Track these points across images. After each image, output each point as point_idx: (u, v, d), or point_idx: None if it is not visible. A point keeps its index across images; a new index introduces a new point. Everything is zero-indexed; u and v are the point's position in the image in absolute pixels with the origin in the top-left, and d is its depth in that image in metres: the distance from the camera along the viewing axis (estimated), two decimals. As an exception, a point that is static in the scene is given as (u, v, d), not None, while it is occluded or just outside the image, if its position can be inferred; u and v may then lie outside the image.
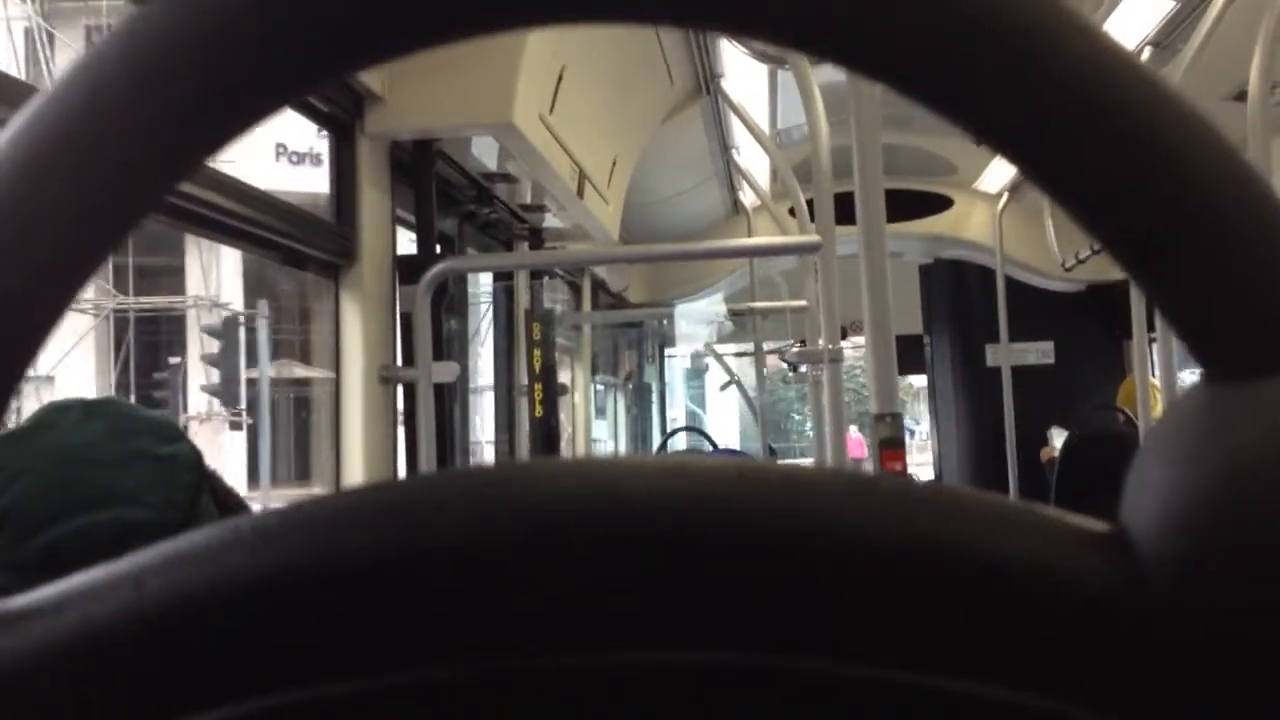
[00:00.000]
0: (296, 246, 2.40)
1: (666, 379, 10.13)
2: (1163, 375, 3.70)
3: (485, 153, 3.27)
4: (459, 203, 3.29)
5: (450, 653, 0.22)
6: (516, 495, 0.22)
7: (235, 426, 13.12)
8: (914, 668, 0.21)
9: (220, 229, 2.14)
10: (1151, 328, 3.77)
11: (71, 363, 12.54)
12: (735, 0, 0.23)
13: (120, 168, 0.23)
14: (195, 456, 1.03)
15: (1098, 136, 0.22)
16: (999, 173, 6.29)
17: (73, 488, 0.95)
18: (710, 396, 18.68)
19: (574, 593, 0.21)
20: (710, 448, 7.90)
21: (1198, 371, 0.23)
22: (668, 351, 9.78)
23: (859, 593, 0.21)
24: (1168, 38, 3.73)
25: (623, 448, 7.75)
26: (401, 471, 2.71)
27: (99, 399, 1.06)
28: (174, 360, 13.25)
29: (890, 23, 0.22)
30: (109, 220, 0.23)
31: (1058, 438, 6.21)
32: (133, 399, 11.49)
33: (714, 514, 0.22)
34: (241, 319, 12.20)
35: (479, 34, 0.23)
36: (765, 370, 6.51)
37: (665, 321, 7.89)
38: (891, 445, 1.88)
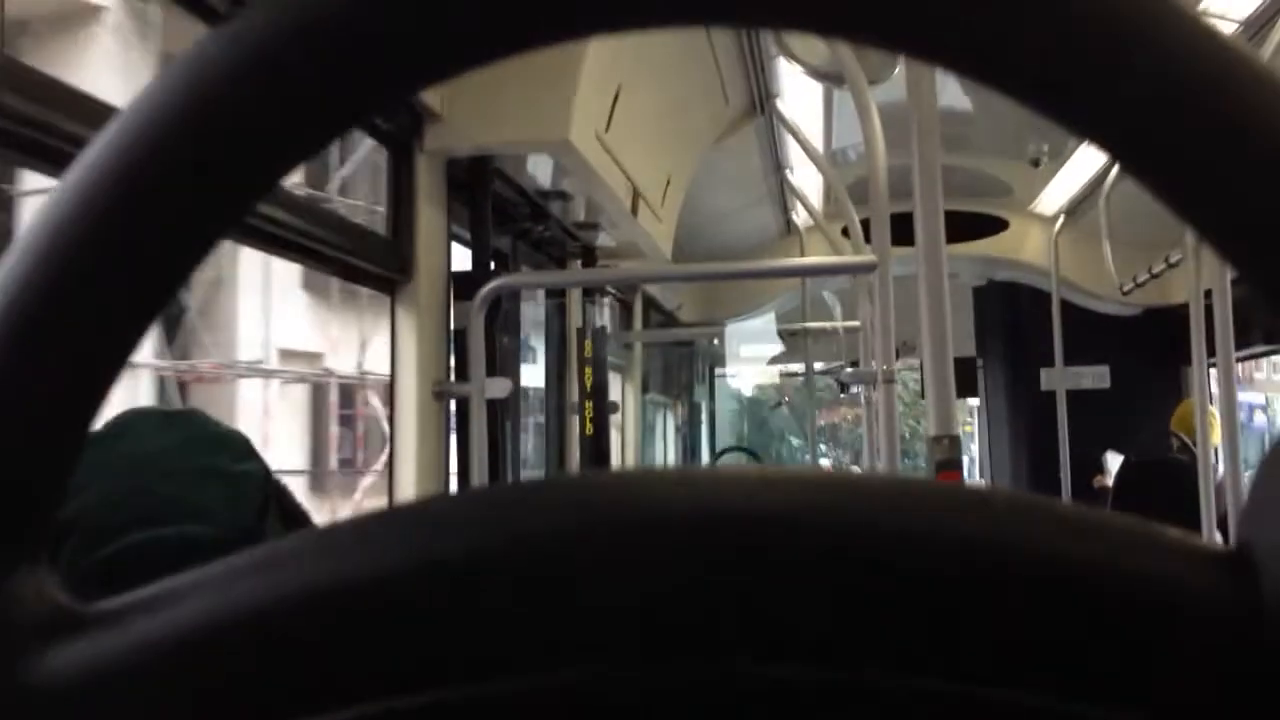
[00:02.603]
0: (353, 261, 2.42)
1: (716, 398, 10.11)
2: (1222, 401, 3.64)
3: (540, 169, 3.28)
4: (514, 220, 3.30)
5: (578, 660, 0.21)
6: (614, 505, 0.22)
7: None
8: (1029, 687, 0.21)
9: (278, 243, 2.17)
10: (1211, 353, 3.71)
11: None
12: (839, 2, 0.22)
13: (205, 185, 0.23)
14: (265, 474, 1.03)
15: (1208, 127, 0.21)
16: (1056, 194, 6.23)
17: (141, 499, 0.95)
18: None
19: (693, 604, 0.21)
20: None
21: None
22: (718, 371, 9.77)
23: (983, 611, 0.21)
24: (1260, 17, 3.65)
25: (672, 465, 7.73)
26: (454, 486, 2.72)
27: (180, 410, 1.07)
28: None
29: (993, 20, 0.21)
30: (192, 242, 0.23)
31: (1113, 464, 6.13)
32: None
33: (841, 528, 0.21)
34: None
35: (544, 44, 0.23)
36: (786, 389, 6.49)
37: (716, 341, 7.89)
38: (949, 468, 1.86)
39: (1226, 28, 3.58)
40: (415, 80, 0.23)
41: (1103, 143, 0.22)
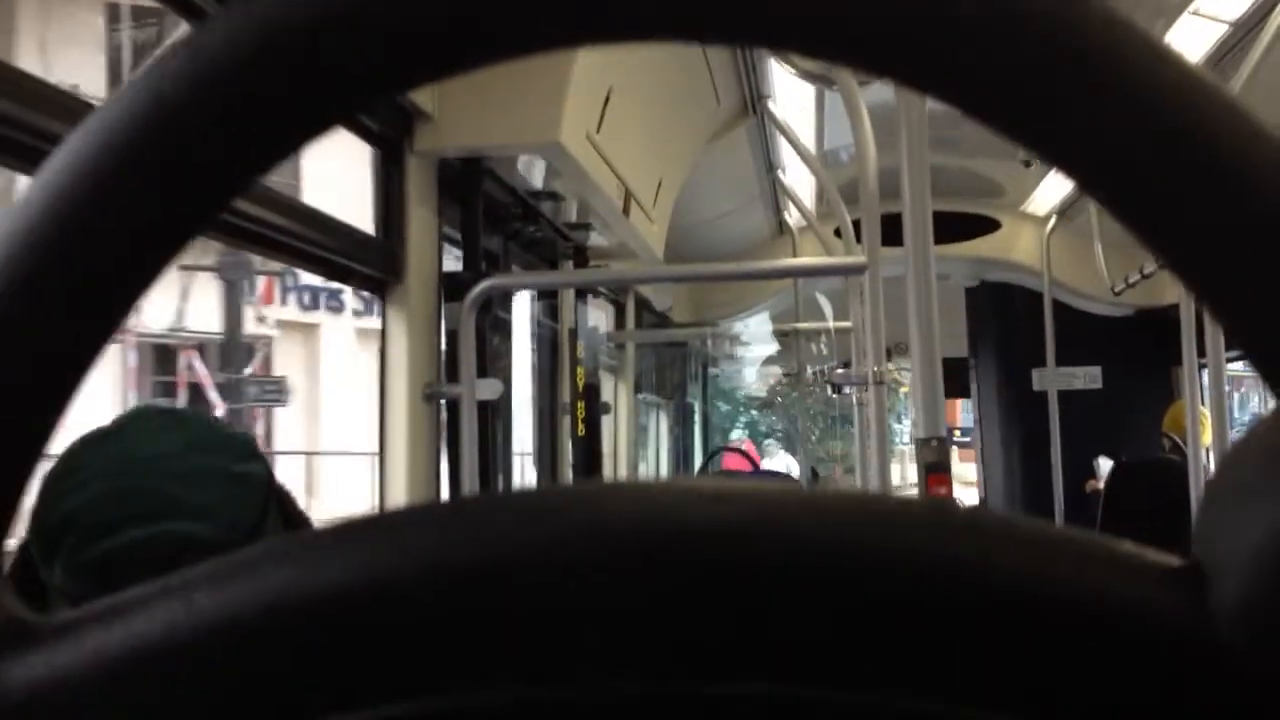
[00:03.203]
0: (344, 263, 2.42)
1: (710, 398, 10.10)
2: (1213, 402, 3.65)
3: (531, 170, 3.28)
4: (505, 220, 3.30)
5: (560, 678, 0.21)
6: (600, 517, 0.22)
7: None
8: (984, 704, 0.21)
9: (268, 244, 2.16)
10: (1202, 353, 3.72)
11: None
12: (809, 21, 0.22)
13: (182, 177, 0.23)
14: (267, 476, 1.02)
15: (1172, 158, 0.21)
16: (1047, 195, 6.24)
17: (139, 497, 0.95)
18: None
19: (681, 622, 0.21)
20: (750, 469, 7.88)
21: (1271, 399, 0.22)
22: (710, 371, 9.77)
23: (938, 629, 0.21)
24: (1218, 63, 3.69)
25: (664, 466, 7.74)
26: (444, 487, 2.72)
27: (182, 409, 1.06)
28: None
29: (968, 49, 0.21)
30: (165, 236, 0.23)
31: (1105, 468, 6.14)
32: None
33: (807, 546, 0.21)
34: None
35: (533, 52, 0.23)
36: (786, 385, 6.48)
37: (709, 341, 7.89)
38: (937, 470, 1.86)
39: (1217, 29, 3.60)
40: (395, 81, 0.23)
41: (1070, 175, 0.22)
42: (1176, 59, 0.21)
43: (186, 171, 0.23)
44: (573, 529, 0.22)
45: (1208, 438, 4.16)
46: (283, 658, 0.22)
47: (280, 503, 1.04)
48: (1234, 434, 3.66)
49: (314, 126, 0.23)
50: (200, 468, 0.97)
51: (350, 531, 0.23)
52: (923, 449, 1.89)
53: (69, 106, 1.47)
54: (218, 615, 0.22)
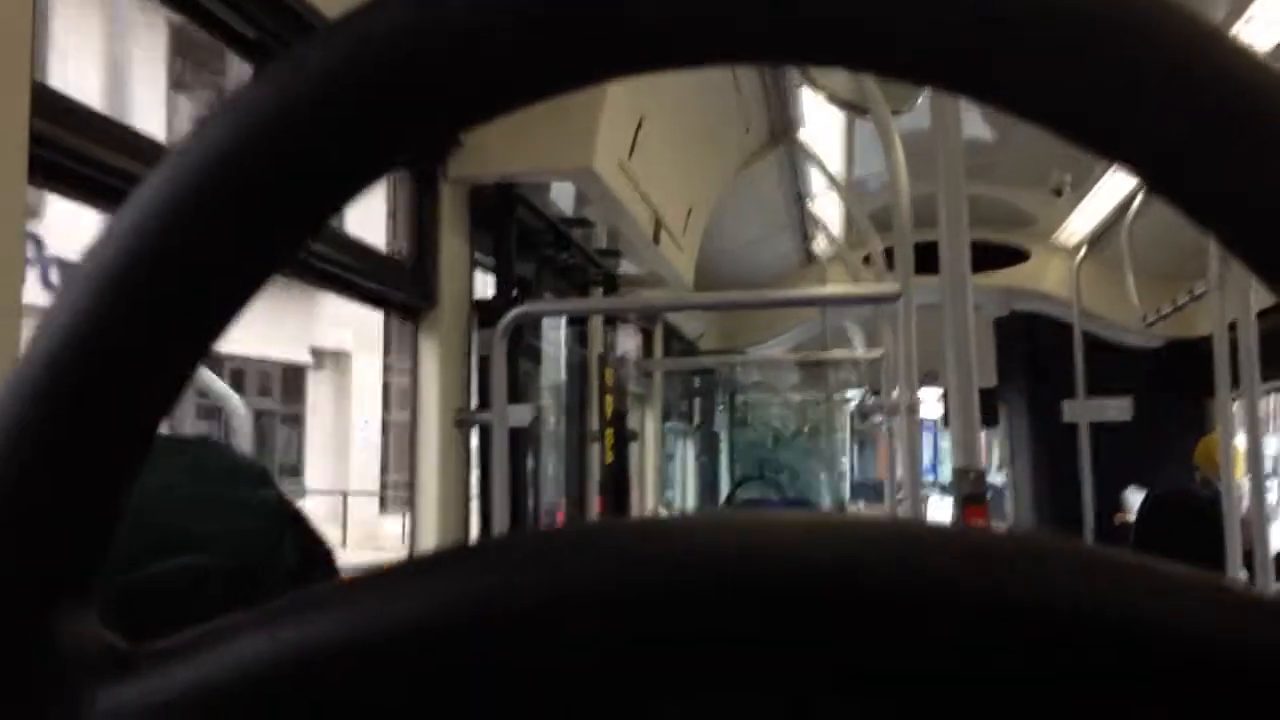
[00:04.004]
0: (378, 289, 2.43)
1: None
2: (1247, 434, 3.61)
3: (563, 197, 3.29)
4: (536, 247, 3.31)
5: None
6: (699, 546, 0.22)
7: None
8: None
9: (302, 270, 2.17)
10: (1235, 385, 3.68)
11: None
12: (869, 38, 0.22)
13: (256, 220, 0.23)
14: (281, 503, 1.02)
15: (1244, 149, 0.21)
16: (1078, 225, 6.22)
17: (153, 529, 0.94)
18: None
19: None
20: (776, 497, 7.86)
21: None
22: (738, 399, 9.75)
23: (1045, 664, 0.20)
24: None
25: (691, 494, 7.73)
26: (475, 512, 2.72)
27: (191, 437, 1.06)
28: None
29: (1021, 52, 0.21)
30: (245, 278, 0.23)
31: (1134, 499, 6.09)
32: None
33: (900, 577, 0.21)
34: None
35: (585, 84, 0.23)
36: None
37: (737, 369, 7.89)
38: (973, 501, 1.84)
39: (1272, 34, 3.58)
40: (461, 120, 0.23)
41: (1135, 168, 0.22)
42: (1238, 46, 0.21)
43: (261, 214, 0.23)
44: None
45: (1240, 472, 4.12)
46: (372, 688, 0.21)
47: (297, 529, 1.03)
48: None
49: (374, 170, 0.23)
50: (212, 497, 0.97)
51: (439, 563, 0.23)
52: (960, 480, 1.88)
53: (141, 147, 1.49)
54: (302, 647, 0.22)
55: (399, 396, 17.79)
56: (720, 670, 0.21)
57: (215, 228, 0.23)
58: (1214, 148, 0.21)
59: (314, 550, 1.04)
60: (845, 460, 9.17)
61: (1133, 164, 0.22)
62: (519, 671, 0.21)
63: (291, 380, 15.86)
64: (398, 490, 17.43)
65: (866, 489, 9.43)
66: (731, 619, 0.21)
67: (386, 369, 17.11)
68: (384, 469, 16.96)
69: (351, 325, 14.95)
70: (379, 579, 0.23)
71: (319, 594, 0.23)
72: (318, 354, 15.77)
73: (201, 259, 0.23)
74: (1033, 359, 7.71)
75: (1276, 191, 0.21)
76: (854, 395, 9.66)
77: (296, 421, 15.99)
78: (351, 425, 16.34)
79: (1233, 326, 3.64)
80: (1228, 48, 0.21)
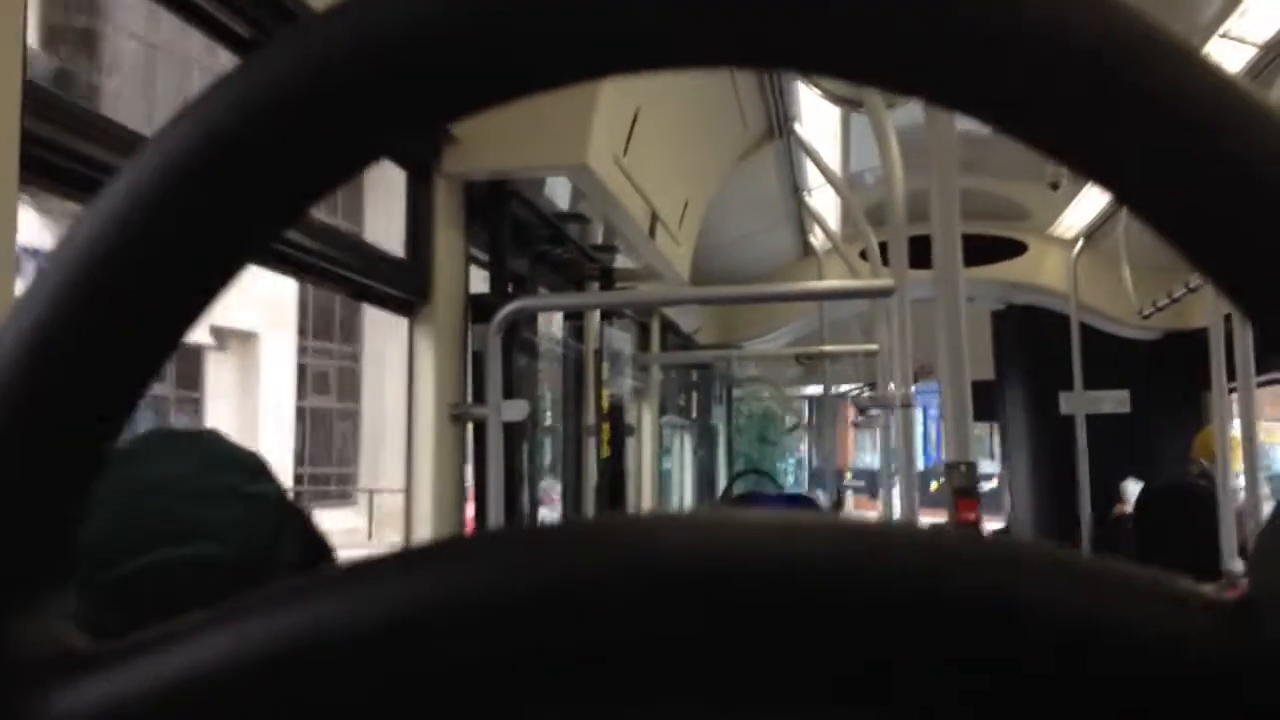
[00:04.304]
0: (371, 284, 2.43)
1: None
2: (1243, 427, 3.62)
3: (558, 192, 3.29)
4: (532, 242, 3.31)
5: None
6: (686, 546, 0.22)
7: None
8: None
9: (296, 265, 2.17)
10: (1232, 378, 3.69)
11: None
12: (848, 46, 0.22)
13: (233, 208, 0.23)
14: (281, 496, 1.02)
15: (1209, 168, 0.21)
16: (1074, 218, 6.22)
17: (152, 520, 0.94)
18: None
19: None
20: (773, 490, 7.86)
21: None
22: (735, 393, 9.75)
23: (1001, 666, 0.21)
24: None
25: (688, 488, 7.73)
26: (470, 508, 2.72)
27: (193, 430, 1.06)
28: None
29: (1010, 68, 0.21)
30: (215, 271, 0.23)
31: (1132, 491, 6.09)
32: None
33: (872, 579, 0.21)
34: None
35: (570, 83, 0.23)
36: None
37: (734, 363, 7.88)
38: (966, 495, 1.84)
39: (1245, 50, 3.58)
40: (447, 112, 0.23)
41: (1105, 186, 0.22)
42: (1218, 72, 0.21)
43: (238, 202, 0.23)
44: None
45: (1238, 463, 4.13)
46: (340, 687, 0.21)
47: (296, 522, 1.03)
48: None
49: (359, 160, 0.23)
50: (211, 488, 0.97)
51: (410, 559, 0.23)
52: (951, 473, 1.88)
53: (119, 136, 1.49)
54: (270, 643, 0.22)
55: (316, 381, 17.17)
56: (652, 676, 0.21)
57: (188, 215, 0.22)
58: (1178, 168, 0.21)
59: (313, 541, 1.04)
60: (803, 449, 9.13)
61: (1103, 183, 0.22)
62: (471, 671, 0.21)
63: (189, 362, 14.96)
64: (318, 484, 16.70)
65: (823, 478, 9.37)
66: (665, 623, 0.21)
67: (302, 351, 16.31)
68: (299, 460, 16.08)
69: (260, 303, 14.07)
70: (348, 574, 0.23)
71: (287, 590, 0.22)
72: (219, 334, 14.78)
73: (172, 250, 0.23)
74: (1030, 351, 7.70)
75: (1239, 211, 0.21)
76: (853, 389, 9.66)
77: (195, 407, 15.10)
78: (260, 412, 15.42)
79: (1229, 319, 3.64)
80: (1195, 65, 0.21)
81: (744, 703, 0.21)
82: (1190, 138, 0.21)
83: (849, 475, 9.74)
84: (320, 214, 2.42)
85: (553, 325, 4.10)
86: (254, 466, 1.01)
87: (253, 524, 0.96)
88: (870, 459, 13.07)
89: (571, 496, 4.09)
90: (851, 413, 12.08)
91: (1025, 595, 0.21)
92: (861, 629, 0.21)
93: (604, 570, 0.21)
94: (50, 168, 1.38)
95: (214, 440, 1.04)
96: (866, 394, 5.33)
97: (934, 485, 12.61)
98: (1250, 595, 0.22)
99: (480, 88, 0.23)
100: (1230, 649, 0.21)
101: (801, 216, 5.88)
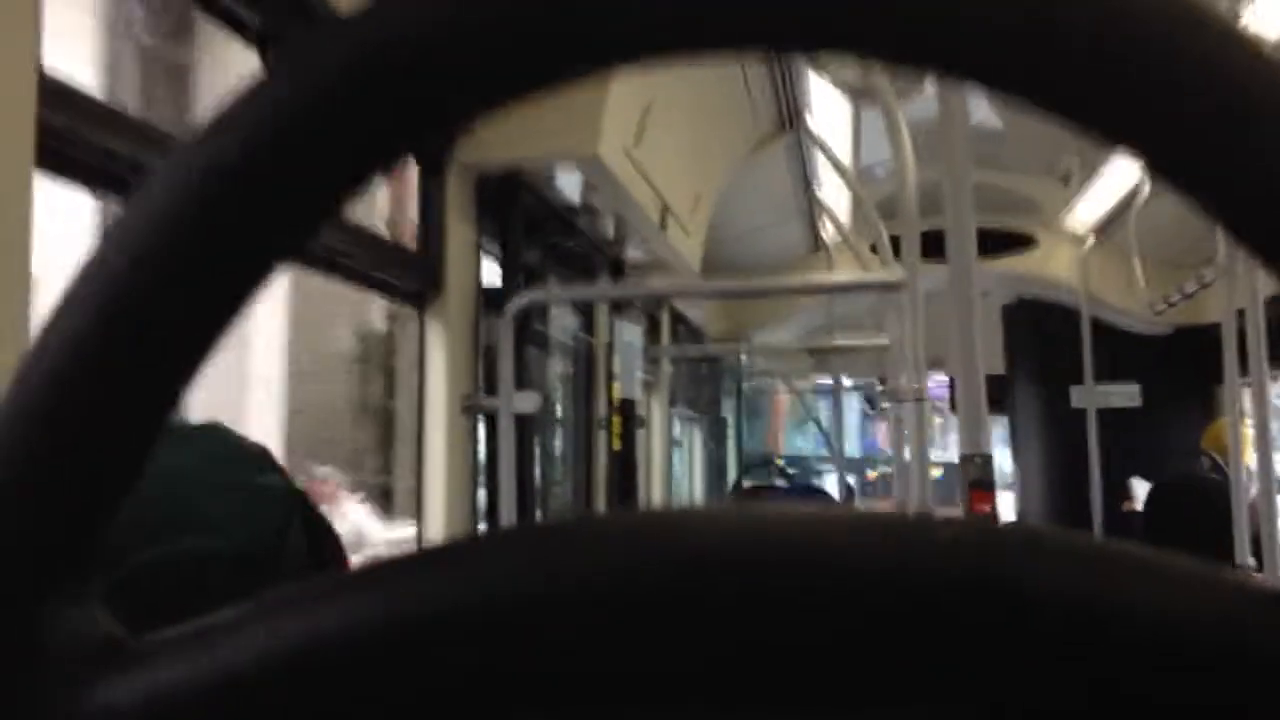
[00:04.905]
0: (383, 277, 2.43)
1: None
2: (1256, 420, 3.61)
3: (569, 185, 3.29)
4: (543, 234, 3.31)
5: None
6: (717, 544, 0.22)
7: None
8: None
9: (308, 257, 2.18)
10: (1244, 372, 3.68)
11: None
12: (876, 25, 0.22)
13: (267, 206, 0.23)
14: (288, 488, 1.01)
15: (1254, 140, 0.21)
16: (1085, 212, 6.20)
17: (160, 512, 0.94)
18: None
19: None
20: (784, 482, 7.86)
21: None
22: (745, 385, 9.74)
23: (1062, 657, 0.21)
24: None
25: (699, 481, 7.73)
26: (481, 498, 2.72)
27: (200, 423, 1.06)
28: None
29: (1024, 38, 0.21)
30: (252, 265, 0.23)
31: (1139, 488, 6.08)
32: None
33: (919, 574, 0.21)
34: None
35: (591, 74, 0.23)
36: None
37: (744, 356, 7.88)
38: (981, 487, 1.84)
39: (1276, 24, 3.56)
40: (480, 105, 0.23)
41: (1140, 156, 0.22)
42: (1242, 34, 0.21)
43: (269, 204, 0.23)
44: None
45: (1250, 457, 4.12)
46: (382, 682, 0.21)
47: (305, 513, 1.03)
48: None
49: (391, 158, 0.23)
50: (218, 481, 0.96)
51: (447, 554, 0.23)
52: (966, 465, 1.88)
53: (135, 128, 1.49)
54: (312, 638, 0.22)
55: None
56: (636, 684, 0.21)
57: (220, 223, 0.23)
58: (1218, 136, 0.21)
59: (321, 534, 1.04)
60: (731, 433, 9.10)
61: (1136, 151, 0.22)
62: (504, 665, 0.21)
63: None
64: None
65: (756, 462, 9.30)
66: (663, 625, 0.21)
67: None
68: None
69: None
70: (387, 569, 0.23)
71: (321, 586, 0.23)
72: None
73: (206, 255, 0.23)
74: (1041, 345, 7.69)
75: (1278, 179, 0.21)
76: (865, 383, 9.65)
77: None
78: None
79: (1241, 313, 3.63)
80: (1231, 36, 0.21)
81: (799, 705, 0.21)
82: (1229, 108, 0.21)
83: (781, 461, 9.75)
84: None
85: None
86: (259, 458, 1.01)
87: (259, 516, 0.96)
88: (801, 444, 13.15)
89: (583, 489, 4.10)
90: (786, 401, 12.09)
91: (1112, 597, 0.21)
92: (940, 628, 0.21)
93: (650, 567, 0.21)
94: (66, 159, 1.38)
95: (220, 433, 1.03)
96: (879, 388, 5.33)
97: (872, 473, 12.65)
98: None
99: (506, 84, 0.23)
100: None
101: (812, 210, 5.88)
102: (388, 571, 0.22)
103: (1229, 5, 3.46)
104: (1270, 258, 0.22)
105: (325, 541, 1.04)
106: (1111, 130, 0.22)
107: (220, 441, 1.01)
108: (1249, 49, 0.21)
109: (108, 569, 0.84)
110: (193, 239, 0.23)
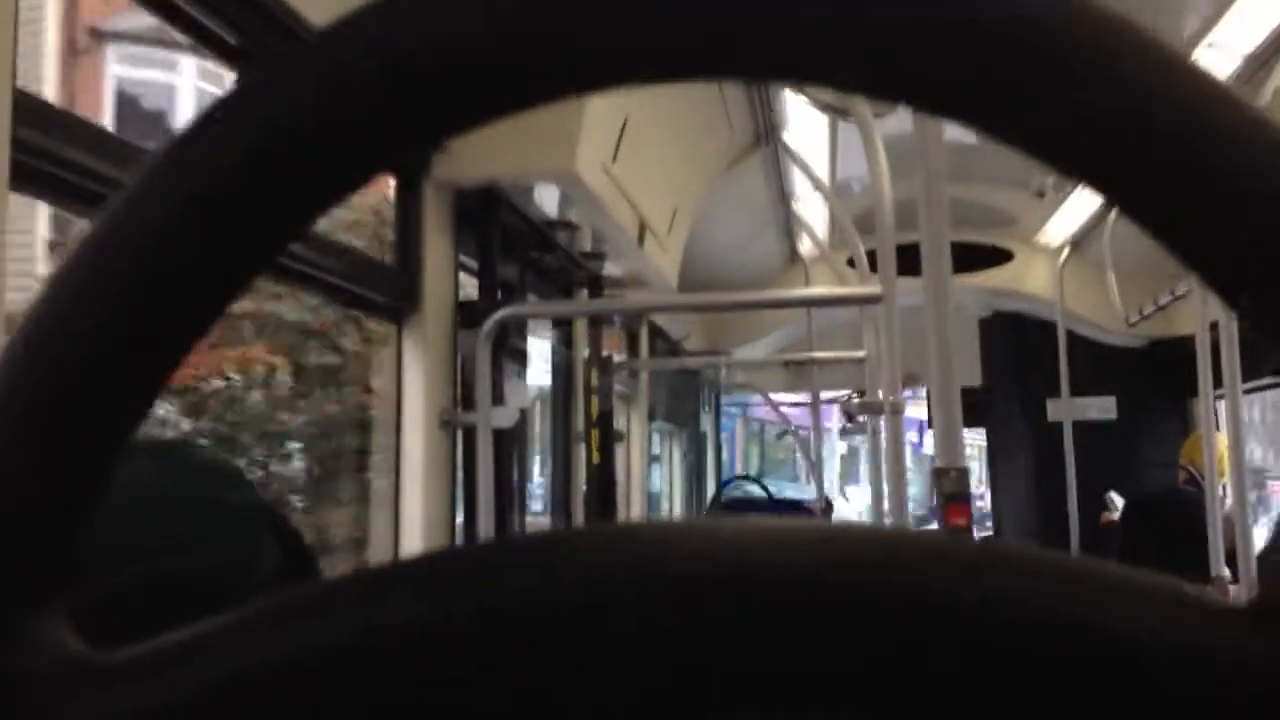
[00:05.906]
0: (360, 291, 2.43)
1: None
2: (1229, 433, 3.63)
3: (547, 200, 3.29)
4: (521, 249, 3.31)
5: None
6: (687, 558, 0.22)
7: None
8: None
9: (283, 272, 2.17)
10: (1218, 384, 3.70)
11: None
12: (827, 57, 0.22)
13: (238, 223, 0.23)
14: (260, 504, 1.01)
15: (1198, 169, 0.21)
16: (1060, 226, 6.24)
17: (131, 533, 0.93)
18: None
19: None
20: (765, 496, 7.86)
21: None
22: (723, 399, 9.74)
23: (1000, 669, 0.21)
24: (1263, 53, 3.64)
25: (678, 496, 7.72)
26: (459, 515, 2.71)
27: (169, 441, 1.05)
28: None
29: (982, 70, 0.22)
30: (221, 287, 0.23)
31: (1118, 501, 6.10)
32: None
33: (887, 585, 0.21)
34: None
35: (564, 97, 0.23)
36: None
37: (723, 370, 7.88)
38: (956, 500, 1.85)
39: (1230, 61, 3.60)
40: (454, 125, 0.23)
41: (1096, 188, 0.22)
42: (1208, 78, 0.22)
43: (243, 218, 0.23)
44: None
45: (1225, 470, 4.14)
46: (354, 694, 0.21)
47: (277, 529, 1.02)
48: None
49: (368, 171, 0.23)
50: (189, 500, 0.96)
51: (422, 567, 0.23)
52: (941, 479, 1.89)
53: (111, 144, 1.48)
54: (284, 653, 0.22)
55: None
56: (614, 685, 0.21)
57: (194, 235, 0.23)
58: (1175, 174, 0.21)
59: (294, 551, 1.03)
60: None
61: (1099, 190, 0.22)
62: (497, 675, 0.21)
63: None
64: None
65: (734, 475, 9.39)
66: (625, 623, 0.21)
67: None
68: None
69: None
70: (367, 583, 0.23)
71: (294, 599, 0.23)
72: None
73: (179, 267, 0.23)
74: (1018, 359, 7.72)
75: (1233, 216, 0.21)
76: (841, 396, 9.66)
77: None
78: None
79: (1214, 326, 3.66)
80: (1187, 73, 0.22)
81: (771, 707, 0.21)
82: (1179, 143, 0.21)
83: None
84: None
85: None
86: (229, 475, 1.01)
87: (231, 533, 0.96)
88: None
89: (561, 502, 4.09)
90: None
91: (1075, 608, 0.21)
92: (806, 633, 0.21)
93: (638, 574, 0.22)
94: (41, 175, 1.38)
95: (191, 451, 1.03)
96: (855, 401, 5.34)
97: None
98: (1262, 599, 0.22)
99: (491, 100, 0.23)
100: (1248, 653, 0.21)
101: (789, 224, 5.90)
102: (361, 584, 0.22)
103: (1187, 40, 3.49)
104: (1224, 290, 0.22)
105: (298, 555, 1.03)
106: (1068, 170, 0.22)
107: (192, 459, 1.01)
108: (1199, 83, 0.21)
109: (83, 590, 0.83)
110: (160, 252, 0.23)
